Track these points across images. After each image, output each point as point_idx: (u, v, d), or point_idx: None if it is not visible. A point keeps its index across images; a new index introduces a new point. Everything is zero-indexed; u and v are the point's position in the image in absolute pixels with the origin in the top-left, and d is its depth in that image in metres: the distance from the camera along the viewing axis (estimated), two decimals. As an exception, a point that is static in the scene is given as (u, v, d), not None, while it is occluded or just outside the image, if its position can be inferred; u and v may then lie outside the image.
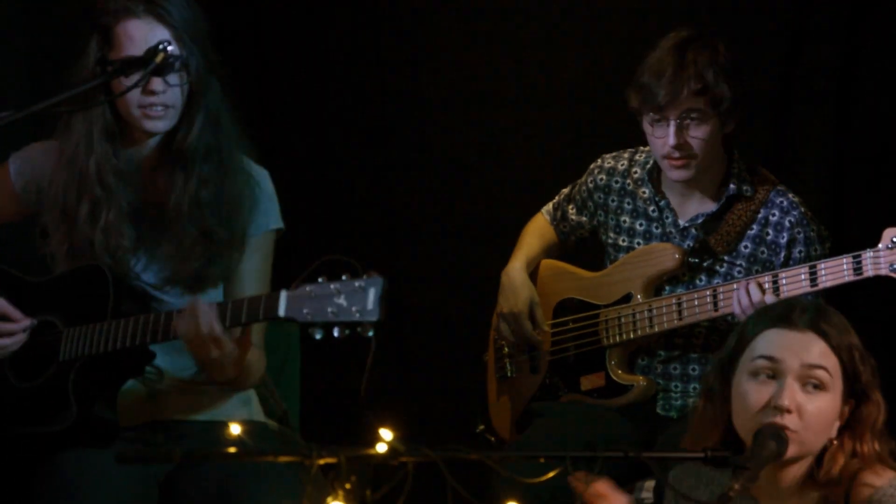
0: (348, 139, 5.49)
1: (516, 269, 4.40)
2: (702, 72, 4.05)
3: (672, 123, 4.06)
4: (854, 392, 3.05)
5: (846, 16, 4.84)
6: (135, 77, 3.52)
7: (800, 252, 4.09)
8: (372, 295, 3.21)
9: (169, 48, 3.52)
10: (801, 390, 2.99)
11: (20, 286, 3.78)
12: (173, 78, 3.63)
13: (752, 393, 3.01)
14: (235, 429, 2.85)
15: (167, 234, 3.70)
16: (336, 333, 3.25)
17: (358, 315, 3.22)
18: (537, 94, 5.28)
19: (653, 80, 4.06)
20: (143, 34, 3.62)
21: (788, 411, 2.97)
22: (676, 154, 4.08)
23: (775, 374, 3.01)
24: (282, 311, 3.33)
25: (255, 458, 3.13)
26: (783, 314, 3.05)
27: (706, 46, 4.08)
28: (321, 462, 2.67)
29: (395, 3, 5.44)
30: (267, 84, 5.47)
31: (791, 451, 2.99)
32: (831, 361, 3.02)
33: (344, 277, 3.24)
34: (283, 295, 3.33)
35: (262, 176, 3.81)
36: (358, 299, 3.22)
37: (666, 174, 4.17)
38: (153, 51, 3.50)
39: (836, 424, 3.05)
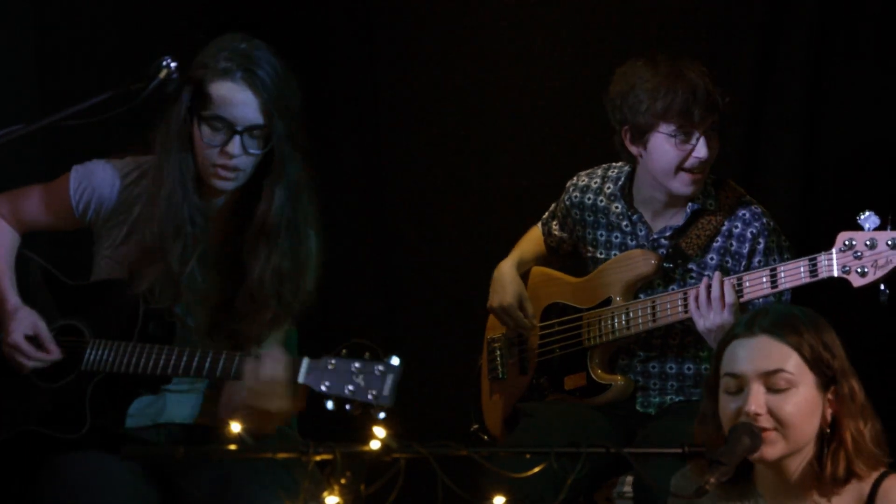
0: (345, 143, 5.51)
1: (507, 265, 4.48)
2: (713, 89, 4.09)
3: (701, 137, 4.08)
4: (830, 380, 3.11)
5: (814, 35, 4.90)
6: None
7: (758, 262, 4.14)
8: (390, 381, 3.27)
9: (172, 65, 3.46)
10: (769, 394, 3.08)
11: (57, 286, 3.81)
12: (251, 144, 3.60)
13: (725, 408, 3.12)
14: (235, 427, 2.91)
15: (226, 291, 3.68)
16: (348, 408, 3.30)
17: (372, 398, 3.28)
18: (532, 103, 5.32)
19: (683, 95, 4.03)
20: (237, 99, 3.59)
21: (758, 414, 3.06)
22: (698, 166, 4.11)
23: (741, 386, 3.10)
24: (301, 378, 3.38)
25: (254, 455, 3.22)
26: (746, 323, 3.14)
27: (697, 66, 4.10)
28: (317, 458, 2.77)
29: (389, 15, 5.48)
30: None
31: (778, 449, 3.08)
32: (791, 361, 3.09)
33: (367, 355, 3.30)
34: (305, 362, 3.39)
35: (313, 240, 3.78)
36: (375, 383, 3.28)
37: (671, 190, 4.16)
38: (157, 67, 3.45)
39: (828, 411, 3.11)
